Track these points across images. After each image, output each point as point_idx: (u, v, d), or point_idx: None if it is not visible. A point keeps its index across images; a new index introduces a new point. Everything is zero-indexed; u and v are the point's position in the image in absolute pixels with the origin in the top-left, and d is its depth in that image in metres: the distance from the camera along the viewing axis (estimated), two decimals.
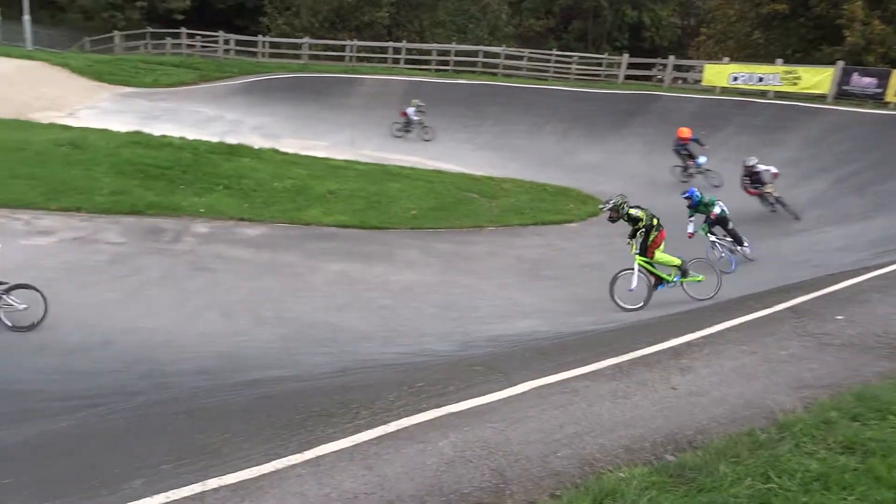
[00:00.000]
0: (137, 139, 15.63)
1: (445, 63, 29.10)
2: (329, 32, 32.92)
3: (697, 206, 11.97)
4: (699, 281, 10.09)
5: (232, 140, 17.32)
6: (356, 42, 30.15)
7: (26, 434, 5.73)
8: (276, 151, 16.93)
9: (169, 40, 31.30)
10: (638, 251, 10.02)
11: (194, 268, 10.66)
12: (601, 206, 10.52)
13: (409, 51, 29.68)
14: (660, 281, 10.16)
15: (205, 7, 38.21)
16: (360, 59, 29.78)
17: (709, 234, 12.06)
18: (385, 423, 4.47)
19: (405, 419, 4.51)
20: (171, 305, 9.39)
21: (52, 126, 16.42)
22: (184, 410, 6.07)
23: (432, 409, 4.64)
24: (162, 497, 3.72)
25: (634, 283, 9.85)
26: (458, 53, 29.30)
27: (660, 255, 10.07)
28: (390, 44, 30.47)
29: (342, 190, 14.67)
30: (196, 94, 24.66)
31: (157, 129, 17.00)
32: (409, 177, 16.57)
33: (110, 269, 10.26)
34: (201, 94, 24.64)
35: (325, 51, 29.90)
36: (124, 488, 3.93)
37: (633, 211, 10.01)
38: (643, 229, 9.98)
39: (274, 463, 4.02)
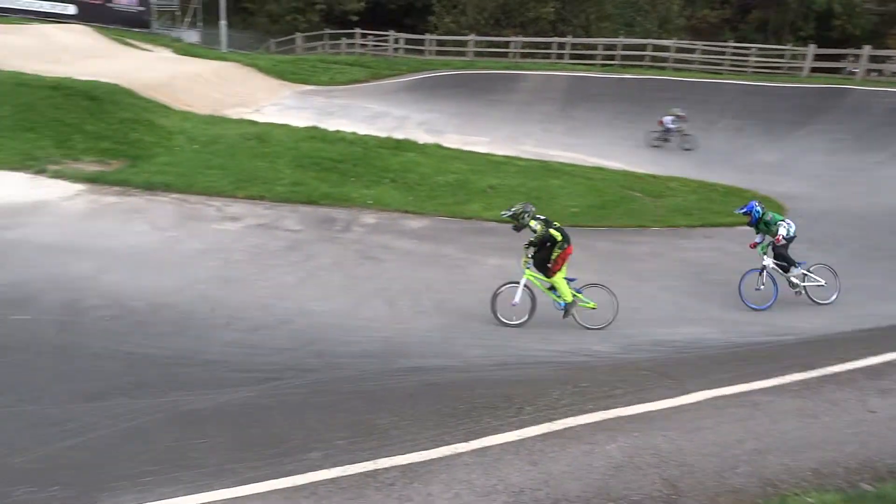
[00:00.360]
0: (314, 134, 16.63)
1: (611, 58, 28.34)
2: (494, 29, 33.18)
3: (757, 223, 10.34)
4: (591, 308, 9.20)
5: (399, 135, 17.94)
6: (520, 38, 30.14)
7: (215, 401, 6.23)
8: (439, 146, 17.31)
9: (344, 40, 33.08)
10: (531, 265, 9.26)
11: (362, 256, 11.17)
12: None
13: (573, 46, 29.18)
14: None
15: (377, 8, 39.98)
16: (524, 56, 29.71)
17: (764, 256, 10.19)
18: (550, 420, 4.43)
19: (570, 418, 4.44)
20: (341, 291, 9.88)
21: (241, 121, 17.85)
22: (354, 390, 6.37)
23: (599, 410, 4.53)
24: (339, 470, 3.92)
25: (517, 298, 9.11)
26: (624, 47, 28.40)
27: (559, 280, 9.17)
28: (554, 39, 30.11)
29: (502, 185, 14.73)
30: (367, 91, 25.80)
31: (331, 125, 17.99)
32: (570, 173, 16.30)
33: (288, 254, 10.98)
34: (372, 92, 25.75)
35: (489, 48, 30.17)
36: (304, 458, 4.18)
37: (533, 223, 9.12)
38: (538, 244, 9.16)
39: (441, 449, 4.11)
